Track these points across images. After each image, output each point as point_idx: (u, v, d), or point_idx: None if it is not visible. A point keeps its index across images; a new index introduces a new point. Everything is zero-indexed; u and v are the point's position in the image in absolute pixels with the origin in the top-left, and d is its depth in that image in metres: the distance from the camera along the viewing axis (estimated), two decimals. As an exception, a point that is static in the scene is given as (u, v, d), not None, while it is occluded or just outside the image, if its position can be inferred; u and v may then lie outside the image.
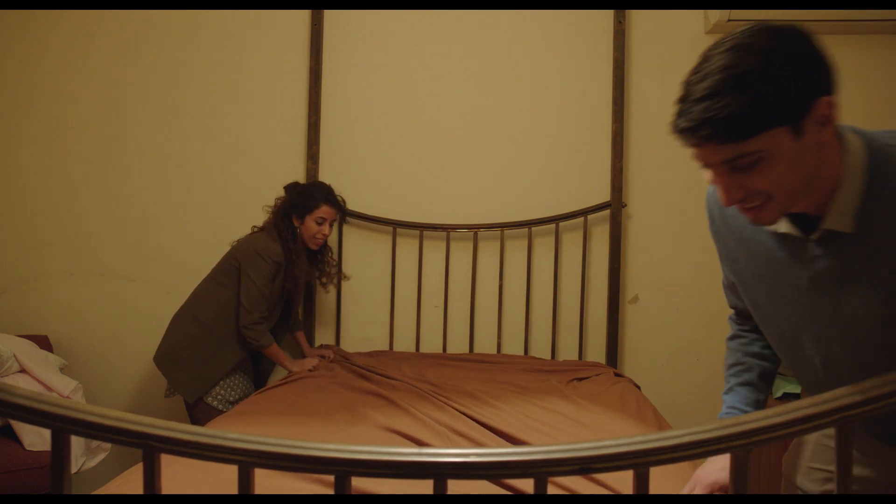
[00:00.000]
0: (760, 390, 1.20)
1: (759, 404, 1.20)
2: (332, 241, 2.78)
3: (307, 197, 2.46)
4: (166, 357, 2.40)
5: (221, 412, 2.27)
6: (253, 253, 2.38)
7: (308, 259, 2.54)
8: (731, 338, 1.27)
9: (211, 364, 2.36)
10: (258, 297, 2.35)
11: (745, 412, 1.17)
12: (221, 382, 2.38)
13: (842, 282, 0.95)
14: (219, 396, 2.37)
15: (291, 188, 2.55)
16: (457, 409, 1.86)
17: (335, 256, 2.71)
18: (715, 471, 1.19)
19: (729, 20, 2.56)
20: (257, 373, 2.61)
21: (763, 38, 0.83)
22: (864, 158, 0.89)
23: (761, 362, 1.21)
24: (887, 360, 0.97)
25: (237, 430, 1.63)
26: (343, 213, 2.62)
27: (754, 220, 0.92)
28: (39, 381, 2.30)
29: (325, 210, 2.46)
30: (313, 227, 2.45)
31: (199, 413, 2.35)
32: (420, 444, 1.68)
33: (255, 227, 2.55)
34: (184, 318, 2.42)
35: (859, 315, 0.96)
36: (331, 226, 2.50)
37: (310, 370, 2.41)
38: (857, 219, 0.90)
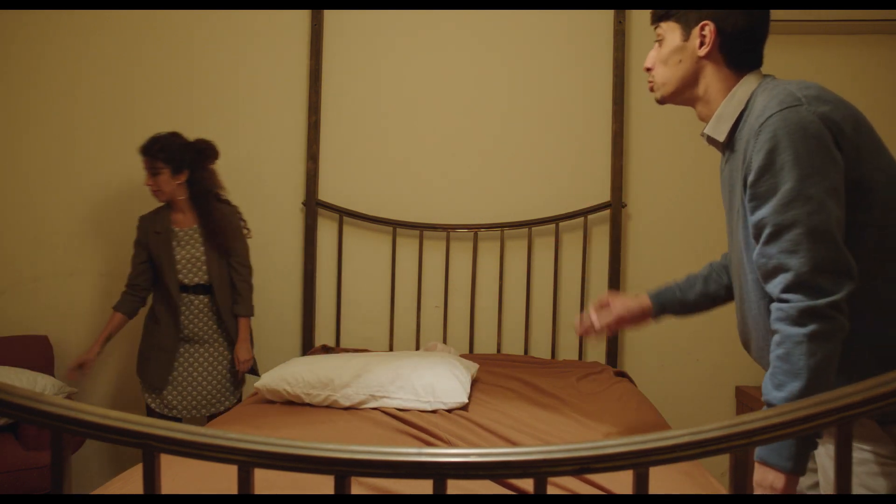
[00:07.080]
0: (705, 281, 1.42)
1: (695, 288, 1.43)
2: (333, 240, 2.79)
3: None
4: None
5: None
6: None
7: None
8: None
9: None
10: None
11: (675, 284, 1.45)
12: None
13: (730, 196, 1.19)
14: None
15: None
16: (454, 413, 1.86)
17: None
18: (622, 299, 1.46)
19: (729, 20, 2.55)
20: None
21: None
22: (749, 92, 1.16)
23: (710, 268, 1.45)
24: (749, 295, 1.15)
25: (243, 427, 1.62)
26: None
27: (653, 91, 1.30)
28: None
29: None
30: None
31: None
32: (422, 430, 1.68)
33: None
34: None
35: (738, 238, 1.17)
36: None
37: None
38: (731, 134, 1.17)
